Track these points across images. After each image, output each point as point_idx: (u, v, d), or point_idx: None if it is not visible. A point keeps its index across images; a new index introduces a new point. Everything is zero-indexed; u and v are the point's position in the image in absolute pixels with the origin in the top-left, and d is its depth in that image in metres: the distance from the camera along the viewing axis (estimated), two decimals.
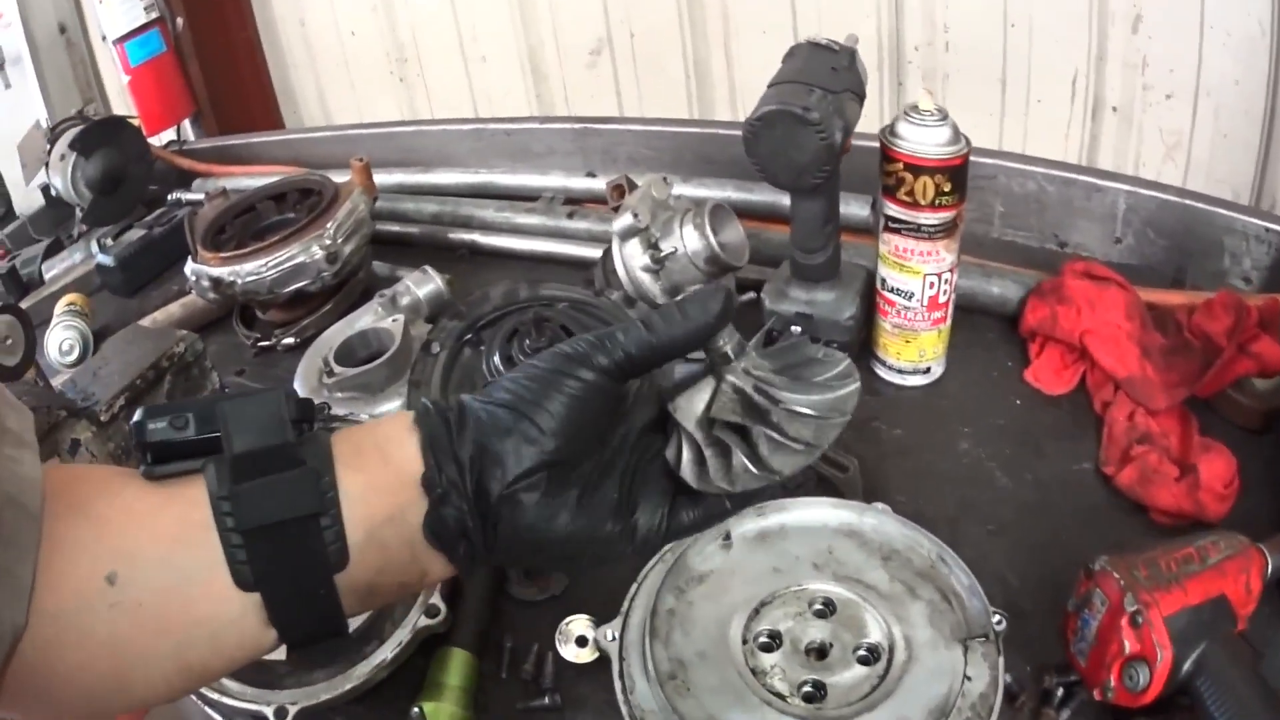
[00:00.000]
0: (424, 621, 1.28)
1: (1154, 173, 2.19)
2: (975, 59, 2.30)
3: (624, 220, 1.58)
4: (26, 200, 3.49)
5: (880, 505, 1.24)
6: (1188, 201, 1.66)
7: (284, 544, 0.78)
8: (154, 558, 0.77)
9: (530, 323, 1.46)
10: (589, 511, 0.86)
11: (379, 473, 0.83)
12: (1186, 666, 1.00)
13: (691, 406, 0.87)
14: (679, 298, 0.87)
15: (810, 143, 1.34)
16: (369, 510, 0.81)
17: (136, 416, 0.80)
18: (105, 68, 3.77)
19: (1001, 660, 1.04)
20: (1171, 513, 1.28)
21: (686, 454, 0.87)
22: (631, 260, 1.60)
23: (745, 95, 2.67)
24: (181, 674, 0.79)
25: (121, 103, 3.71)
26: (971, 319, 1.63)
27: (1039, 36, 2.20)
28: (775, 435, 0.84)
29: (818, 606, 1.15)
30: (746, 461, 0.85)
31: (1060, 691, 1.12)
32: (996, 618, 1.06)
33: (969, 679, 1.03)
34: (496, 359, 1.46)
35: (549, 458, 0.83)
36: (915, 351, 1.54)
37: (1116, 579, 1.01)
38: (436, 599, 1.30)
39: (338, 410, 1.55)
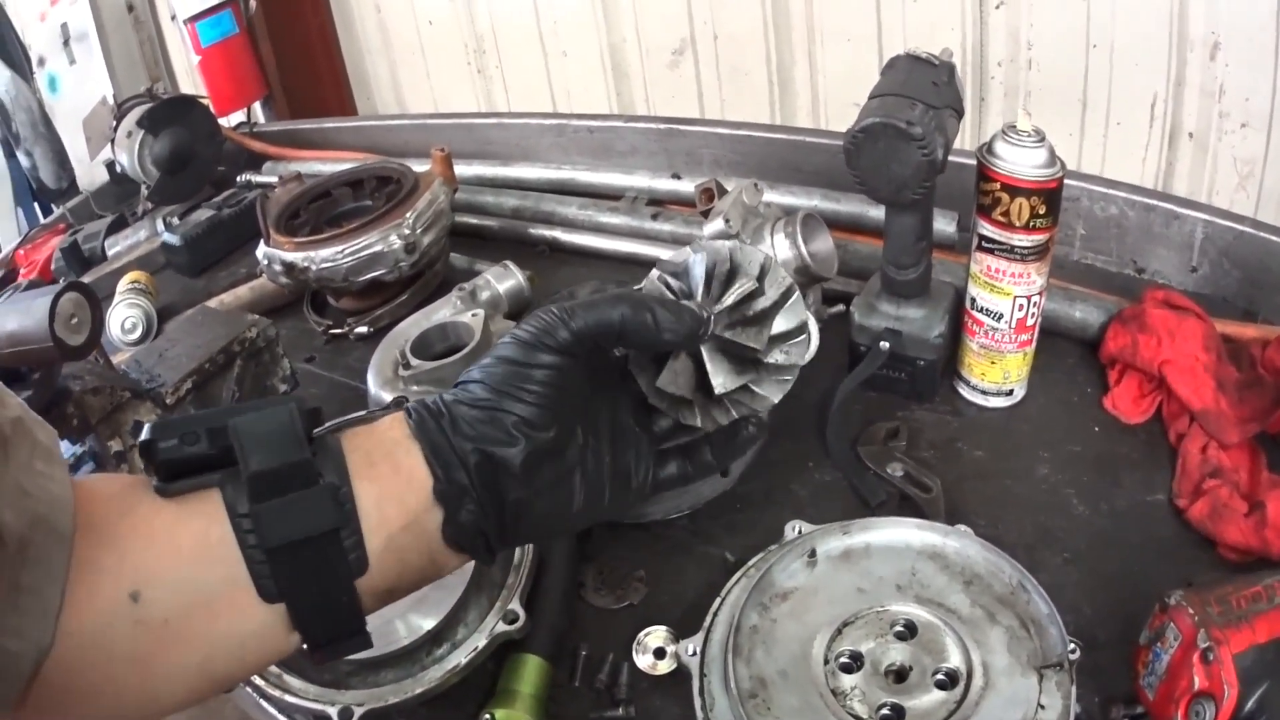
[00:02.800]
0: (502, 628, 1.28)
1: (1226, 201, 2.19)
2: (1057, 79, 2.30)
3: (715, 225, 1.57)
4: (90, 175, 3.55)
5: (963, 528, 1.25)
6: (1264, 234, 1.65)
7: (306, 558, 0.80)
8: (176, 576, 0.79)
9: None
10: (592, 488, 0.94)
11: (391, 482, 0.85)
12: (1249, 705, 0.99)
13: (680, 377, 0.98)
14: (659, 302, 0.92)
15: (912, 158, 1.34)
16: (385, 519, 0.84)
17: (145, 434, 0.81)
18: (173, 47, 3.82)
19: (1074, 690, 1.05)
20: (1239, 548, 1.28)
21: (702, 420, 0.99)
22: None
23: (828, 104, 2.69)
24: (206, 682, 0.82)
25: (189, 82, 3.76)
26: (1052, 342, 1.63)
27: (1120, 59, 2.20)
28: (767, 376, 0.99)
29: (899, 628, 1.16)
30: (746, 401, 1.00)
31: None
32: (1071, 647, 1.07)
33: (1043, 708, 1.04)
34: None
35: (549, 447, 0.89)
36: (1000, 373, 1.54)
37: (1191, 614, 1.01)
38: (516, 605, 1.30)
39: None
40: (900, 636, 1.15)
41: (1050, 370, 1.61)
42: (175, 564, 0.79)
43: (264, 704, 1.30)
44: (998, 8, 2.30)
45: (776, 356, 0.99)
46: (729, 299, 0.97)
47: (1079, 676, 1.07)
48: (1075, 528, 1.37)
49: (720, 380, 0.96)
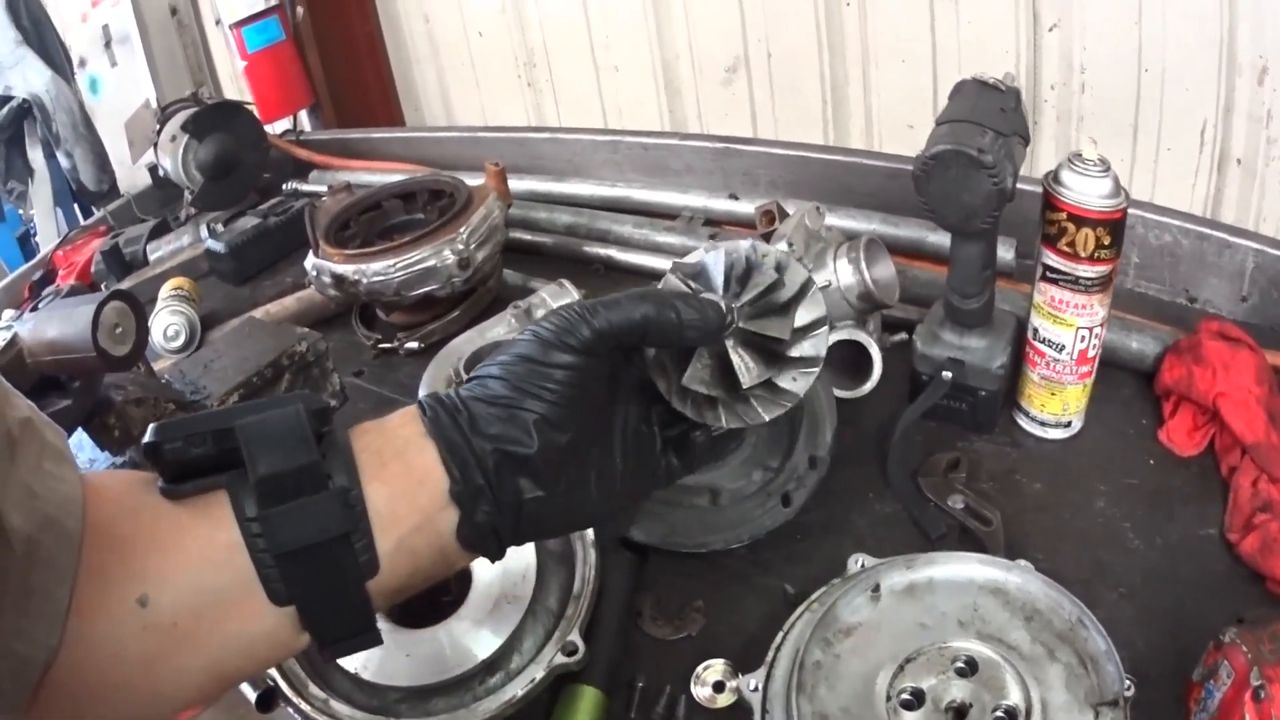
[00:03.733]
0: (560, 659, 1.26)
1: (1273, 228, 2.19)
2: (1109, 103, 2.31)
3: (777, 249, 1.58)
4: (131, 178, 3.57)
5: (1024, 563, 1.24)
6: None
7: (316, 562, 0.80)
8: (184, 580, 0.79)
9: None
10: (605, 488, 0.95)
11: (403, 481, 0.85)
12: None
13: (702, 373, 0.98)
14: (681, 297, 0.94)
15: (983, 186, 1.34)
16: (397, 520, 0.84)
17: (149, 437, 0.80)
18: (217, 52, 3.84)
19: None
20: None
21: (726, 419, 1.00)
22: None
23: (881, 124, 2.70)
24: (215, 682, 0.83)
25: (233, 88, 3.79)
26: (1109, 373, 1.62)
27: (1170, 84, 2.21)
28: (787, 369, 1.00)
29: (960, 665, 1.15)
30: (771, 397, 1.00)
31: None
32: (1127, 684, 1.07)
33: None
34: None
35: (568, 448, 0.89)
36: (1059, 405, 1.54)
37: (1244, 652, 1.01)
38: (575, 637, 1.27)
39: None
40: (961, 673, 1.14)
41: (1106, 402, 1.61)
42: (183, 568, 0.79)
43: None
44: (1051, 30, 2.31)
45: (802, 348, 1.00)
46: (750, 293, 0.98)
47: (1132, 713, 1.06)
48: (1130, 562, 1.37)
49: (747, 374, 0.97)
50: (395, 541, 0.84)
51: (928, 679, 1.14)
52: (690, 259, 1.03)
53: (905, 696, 1.13)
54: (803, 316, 1.00)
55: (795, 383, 1.00)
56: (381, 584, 0.84)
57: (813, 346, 1.00)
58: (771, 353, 0.99)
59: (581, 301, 0.92)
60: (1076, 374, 1.50)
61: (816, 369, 1.00)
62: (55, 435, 0.81)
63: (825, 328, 1.01)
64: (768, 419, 1.00)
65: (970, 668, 1.15)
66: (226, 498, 0.80)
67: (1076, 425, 1.58)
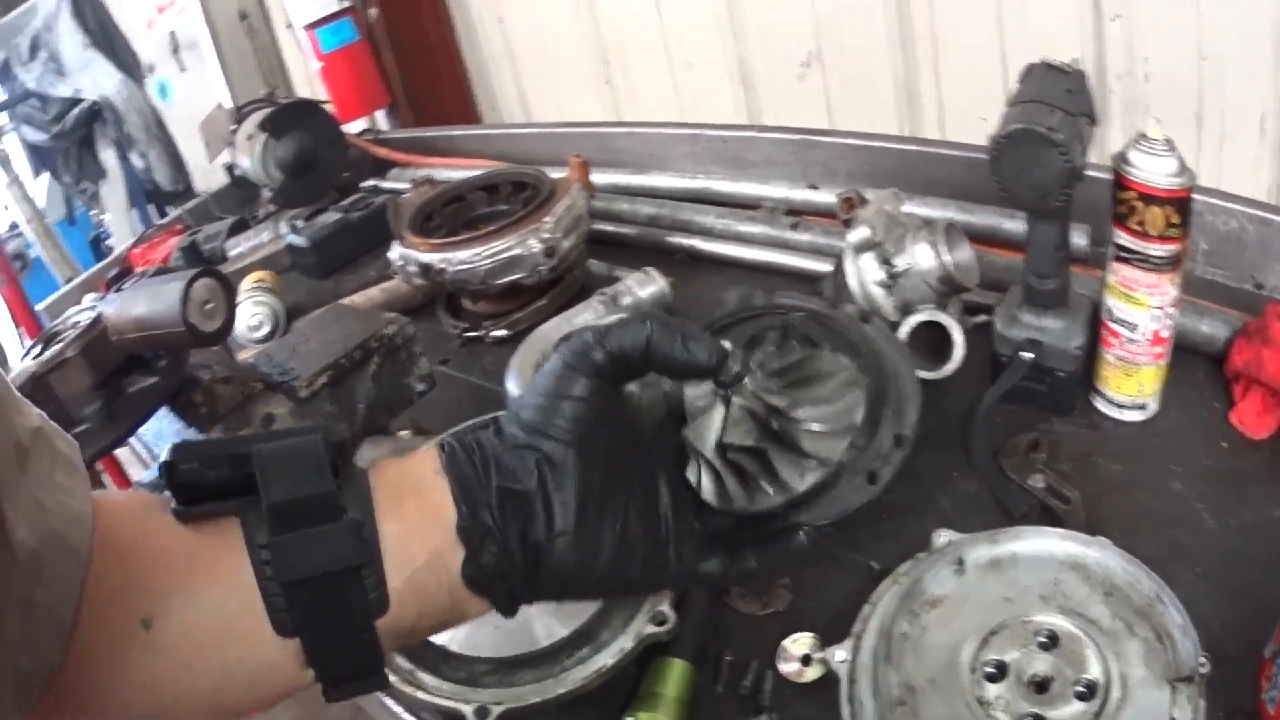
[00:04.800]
0: (650, 629, 1.28)
1: None
2: (1172, 92, 2.32)
3: (860, 233, 1.61)
4: (205, 179, 3.66)
5: (1103, 539, 1.26)
6: None
7: (325, 594, 0.80)
8: (190, 603, 0.79)
9: (776, 330, 1.47)
10: (622, 550, 0.91)
11: (417, 519, 0.85)
12: None
13: (704, 431, 0.97)
14: (686, 331, 0.91)
15: (1054, 163, 1.38)
16: (408, 556, 0.84)
17: (165, 456, 0.80)
18: (290, 55, 3.91)
19: (1204, 704, 1.06)
20: None
21: (705, 478, 0.96)
22: (866, 274, 1.65)
23: (953, 115, 2.73)
24: (215, 712, 0.82)
25: (306, 90, 3.86)
26: (1180, 357, 1.63)
27: (1230, 72, 2.22)
28: (790, 454, 0.97)
29: (1042, 639, 1.16)
30: (763, 482, 0.97)
31: None
32: (1202, 660, 1.08)
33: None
34: None
35: (576, 494, 0.87)
36: (1135, 386, 1.56)
37: None
38: (665, 606, 1.29)
39: None
40: (1043, 646, 1.16)
41: (1180, 385, 1.62)
42: (189, 590, 0.79)
43: (388, 702, 1.33)
44: (1113, 20, 2.33)
45: (807, 442, 0.98)
46: (774, 363, 0.99)
47: (1207, 691, 1.07)
48: (1206, 542, 1.38)
49: (732, 433, 0.97)
50: (405, 580, 0.83)
51: (1011, 651, 1.16)
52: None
53: (989, 669, 1.15)
54: (827, 413, 1.01)
55: (786, 470, 0.98)
56: (391, 623, 0.83)
57: (822, 446, 0.99)
58: (771, 430, 0.99)
59: (594, 325, 0.91)
60: (1151, 354, 1.52)
61: (818, 474, 0.99)
62: (67, 446, 0.82)
63: (848, 438, 1.01)
64: (754, 507, 0.98)
65: (1052, 641, 1.16)
66: (238, 524, 0.80)
67: (1152, 408, 1.59)
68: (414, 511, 0.85)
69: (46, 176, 4.98)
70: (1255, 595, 1.27)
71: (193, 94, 4.26)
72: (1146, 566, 1.21)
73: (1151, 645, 1.13)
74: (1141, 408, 1.59)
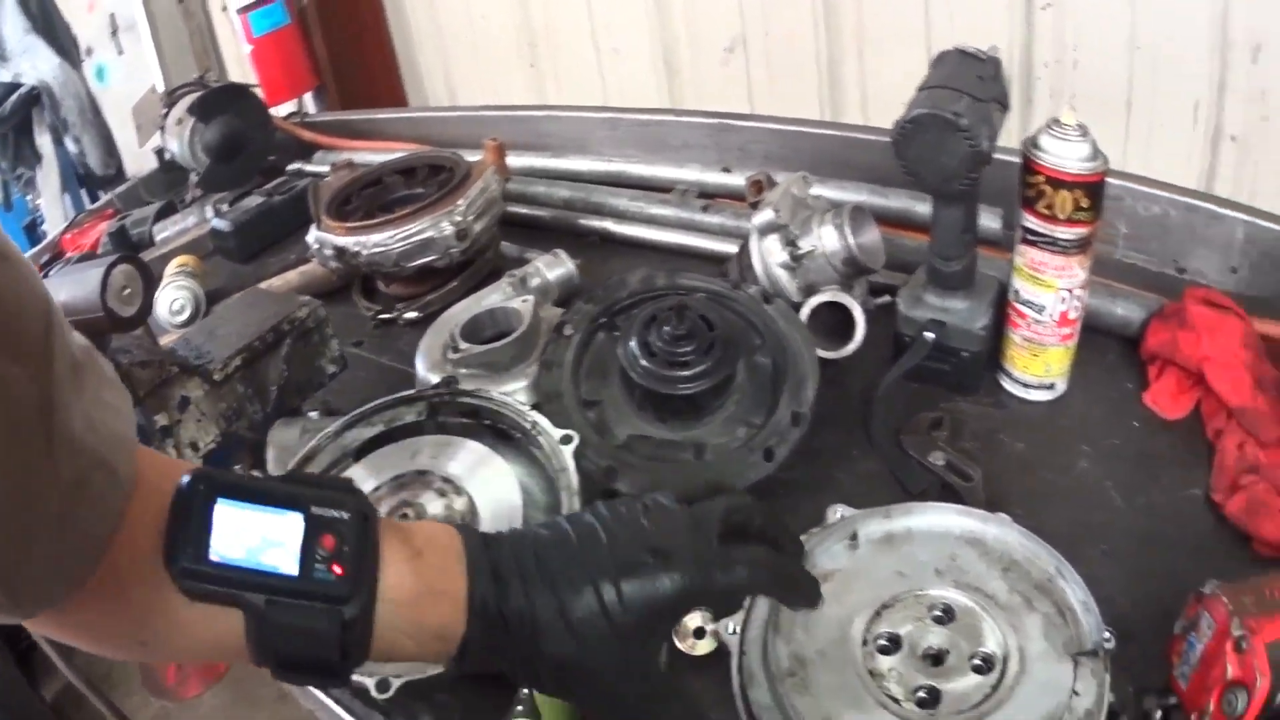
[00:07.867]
0: None
1: (1268, 206, 2.20)
2: (1102, 81, 2.32)
3: (764, 216, 1.62)
4: (137, 163, 3.62)
5: (1002, 515, 1.26)
6: None
7: (310, 666, 0.83)
8: (184, 647, 0.86)
9: (670, 310, 1.48)
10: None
11: (430, 643, 0.88)
12: None
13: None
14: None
15: (959, 148, 1.38)
16: (407, 654, 0.88)
17: (175, 557, 0.79)
18: (224, 38, 3.87)
19: (1109, 678, 1.07)
20: (1274, 544, 1.29)
21: None
22: (770, 256, 1.65)
23: (877, 101, 2.72)
24: (218, 650, 0.87)
25: (239, 73, 3.83)
26: (1094, 338, 1.65)
27: (1163, 62, 2.22)
28: None
29: (937, 613, 1.17)
30: None
31: (1159, 714, 1.10)
32: (1106, 635, 1.08)
33: (1077, 694, 1.06)
34: (633, 344, 1.50)
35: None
36: (1042, 366, 1.57)
37: (1225, 604, 1.02)
38: None
39: (464, 386, 1.59)
40: (938, 620, 1.17)
41: (1091, 366, 1.63)
42: (189, 643, 0.85)
43: None
44: (1044, 9, 2.33)
45: None
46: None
47: (1114, 668, 1.08)
48: (1114, 521, 1.39)
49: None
50: (388, 644, 0.86)
51: (904, 625, 1.17)
52: None
53: (882, 641, 1.16)
54: None
55: None
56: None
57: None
58: None
59: (718, 550, 0.93)
60: (1058, 335, 1.53)
61: None
62: (107, 363, 0.84)
63: None
64: None
65: (947, 615, 1.17)
66: (241, 619, 0.81)
67: (1060, 388, 1.60)
68: (429, 639, 0.89)
69: None
70: (1165, 574, 1.28)
71: (130, 77, 4.22)
72: (1048, 544, 1.22)
73: (1053, 620, 1.14)
74: (1049, 388, 1.60)
